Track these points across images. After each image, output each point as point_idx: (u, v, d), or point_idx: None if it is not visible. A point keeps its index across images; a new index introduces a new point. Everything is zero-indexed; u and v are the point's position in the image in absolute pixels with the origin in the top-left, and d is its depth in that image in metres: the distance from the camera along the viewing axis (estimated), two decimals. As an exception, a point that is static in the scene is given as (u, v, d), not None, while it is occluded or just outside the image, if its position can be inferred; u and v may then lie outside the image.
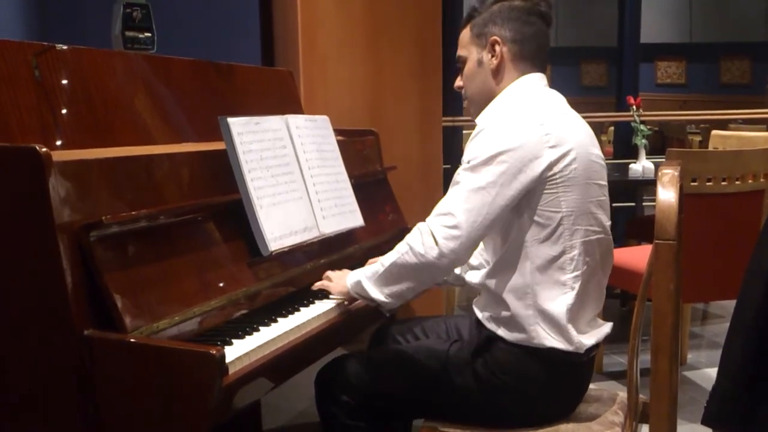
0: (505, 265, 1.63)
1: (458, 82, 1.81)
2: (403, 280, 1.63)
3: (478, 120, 1.73)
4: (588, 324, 1.68)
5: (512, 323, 1.63)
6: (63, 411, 1.39)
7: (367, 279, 1.68)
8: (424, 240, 1.57)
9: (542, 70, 1.75)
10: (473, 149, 1.60)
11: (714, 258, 2.88)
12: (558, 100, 1.72)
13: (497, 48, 1.71)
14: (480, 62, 1.74)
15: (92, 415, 1.37)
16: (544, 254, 1.60)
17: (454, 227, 1.55)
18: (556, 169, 1.57)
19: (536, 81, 1.73)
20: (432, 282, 1.68)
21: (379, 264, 1.67)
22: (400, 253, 1.62)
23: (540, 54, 1.74)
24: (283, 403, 2.73)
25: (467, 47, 1.76)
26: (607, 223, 1.69)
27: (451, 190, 1.60)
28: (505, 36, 1.71)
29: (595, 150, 1.67)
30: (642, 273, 1.64)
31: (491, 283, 1.66)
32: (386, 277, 1.64)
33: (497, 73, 1.72)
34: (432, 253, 1.56)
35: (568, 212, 1.59)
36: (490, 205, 1.55)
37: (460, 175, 1.60)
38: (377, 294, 1.66)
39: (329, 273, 1.85)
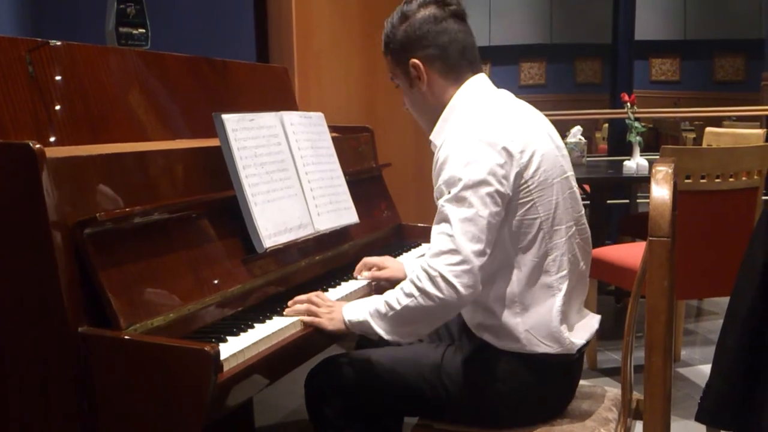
0: (491, 275, 1.60)
1: (404, 105, 1.79)
2: (420, 321, 1.58)
3: (435, 140, 1.68)
4: (577, 313, 1.69)
5: (502, 332, 1.62)
6: (59, 408, 1.38)
7: (373, 319, 1.60)
8: (438, 285, 1.50)
9: (479, 70, 1.71)
10: (448, 177, 1.55)
11: (708, 255, 2.89)
12: (509, 99, 1.70)
13: (421, 71, 1.67)
14: (412, 86, 1.71)
15: (88, 411, 1.37)
16: (529, 261, 1.59)
17: (463, 263, 1.50)
18: (526, 175, 1.56)
19: (480, 84, 1.69)
20: (451, 317, 1.63)
21: (383, 304, 1.59)
22: (411, 297, 1.54)
23: (467, 55, 1.69)
24: (275, 400, 2.73)
25: (395, 73, 1.74)
26: (580, 212, 1.68)
27: (442, 226, 1.54)
28: (424, 56, 1.67)
29: (556, 142, 1.67)
30: (636, 270, 1.65)
31: (479, 294, 1.65)
32: (399, 320, 1.57)
33: (431, 91, 1.69)
34: (452, 295, 1.50)
35: (546, 215, 1.59)
36: (486, 229, 1.52)
37: (445, 207, 1.54)
38: (389, 335, 1.60)
39: (314, 307, 1.68)
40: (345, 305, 1.67)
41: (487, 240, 1.52)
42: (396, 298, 1.57)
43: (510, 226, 1.58)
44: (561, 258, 1.61)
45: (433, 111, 1.70)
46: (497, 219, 1.54)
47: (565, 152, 1.70)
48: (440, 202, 1.56)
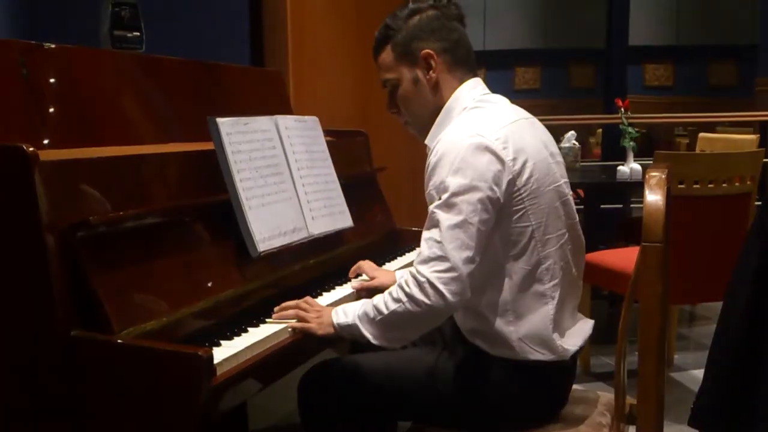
0: (483, 283, 1.59)
1: (390, 108, 1.75)
2: (408, 327, 1.58)
3: (429, 143, 1.67)
4: (570, 318, 1.69)
5: (495, 339, 1.61)
6: (50, 411, 1.38)
7: (361, 323, 1.59)
8: (426, 291, 1.50)
9: (476, 74, 1.72)
10: (439, 182, 1.55)
11: (701, 260, 2.90)
12: (504, 104, 1.70)
13: (432, 62, 1.67)
14: (416, 81, 1.68)
15: (80, 415, 1.36)
16: (521, 269, 1.58)
17: (450, 270, 1.50)
18: (519, 183, 1.56)
19: (477, 87, 1.70)
20: (440, 323, 1.62)
21: (372, 308, 1.58)
22: (399, 302, 1.54)
23: (470, 57, 1.71)
24: (270, 403, 2.72)
25: (395, 69, 1.70)
26: (574, 219, 1.68)
27: (432, 232, 1.53)
28: (435, 47, 1.67)
29: (551, 149, 1.66)
30: (630, 275, 1.65)
31: (470, 300, 1.65)
32: (387, 324, 1.57)
33: (436, 87, 1.68)
34: (439, 302, 1.50)
35: (538, 224, 1.58)
36: (476, 236, 1.51)
37: (435, 213, 1.54)
38: (377, 340, 1.59)
39: (302, 312, 1.67)
40: (334, 309, 1.66)
41: (477, 247, 1.52)
42: (384, 302, 1.57)
43: (501, 234, 1.57)
44: (554, 266, 1.60)
45: (431, 110, 1.69)
46: (487, 226, 1.54)
47: (560, 159, 1.69)
48: (431, 208, 1.56)
